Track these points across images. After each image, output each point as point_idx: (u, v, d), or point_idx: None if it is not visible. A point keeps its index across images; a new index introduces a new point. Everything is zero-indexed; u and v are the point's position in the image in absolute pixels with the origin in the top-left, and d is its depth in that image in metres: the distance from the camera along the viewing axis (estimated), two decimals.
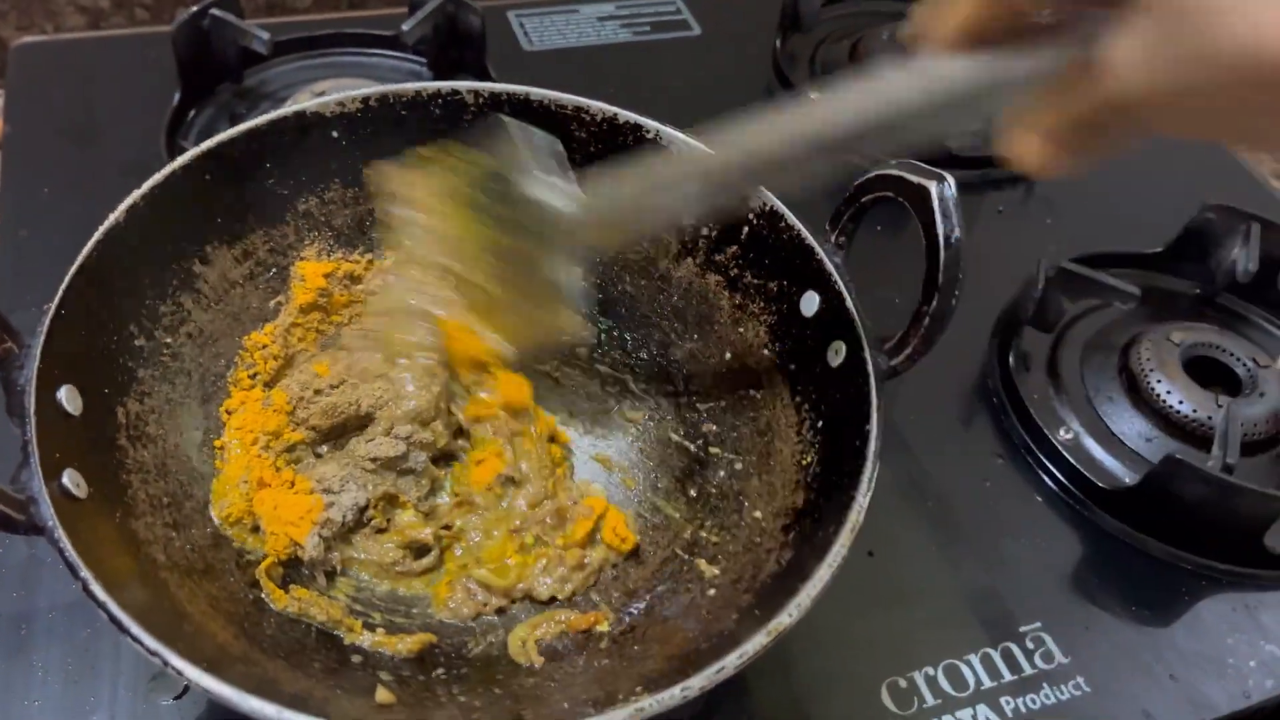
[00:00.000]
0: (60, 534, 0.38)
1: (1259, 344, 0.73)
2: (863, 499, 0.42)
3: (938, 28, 0.35)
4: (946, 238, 0.45)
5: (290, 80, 0.83)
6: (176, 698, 0.51)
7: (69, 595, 0.54)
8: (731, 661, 0.38)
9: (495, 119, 0.48)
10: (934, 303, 0.46)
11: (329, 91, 0.77)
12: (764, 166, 0.42)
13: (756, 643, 0.38)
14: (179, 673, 0.36)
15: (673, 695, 0.37)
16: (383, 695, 0.43)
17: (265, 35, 0.78)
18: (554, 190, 0.46)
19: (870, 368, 0.47)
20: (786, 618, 0.39)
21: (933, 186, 0.46)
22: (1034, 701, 0.56)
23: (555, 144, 0.47)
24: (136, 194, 0.49)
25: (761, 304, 0.54)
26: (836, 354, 0.49)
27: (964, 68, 0.35)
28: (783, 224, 0.52)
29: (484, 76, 0.83)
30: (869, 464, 0.43)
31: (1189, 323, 0.73)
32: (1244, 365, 0.69)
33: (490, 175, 0.47)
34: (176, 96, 0.77)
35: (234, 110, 0.80)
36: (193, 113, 0.79)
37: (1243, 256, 0.74)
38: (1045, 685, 0.56)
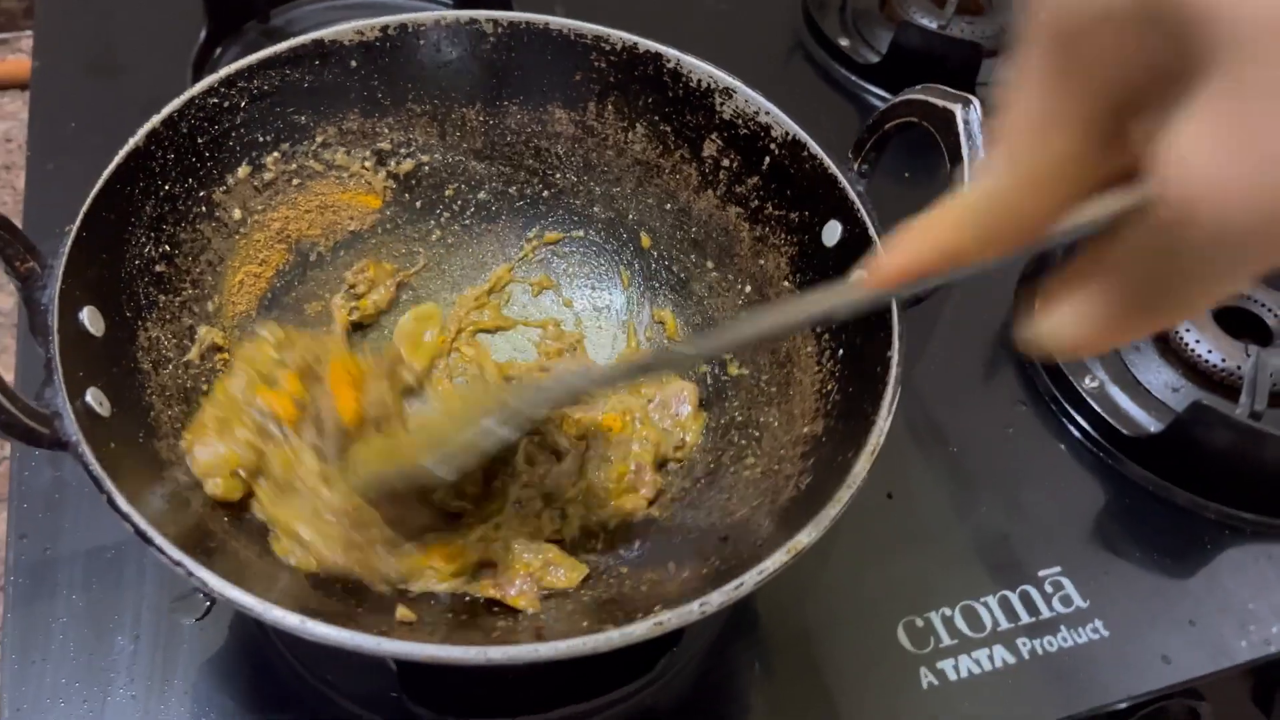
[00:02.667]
0: (85, 448, 0.38)
1: None
2: (883, 423, 0.42)
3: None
4: (972, 159, 0.44)
5: (317, 20, 0.82)
6: (199, 619, 0.51)
7: (93, 517, 0.55)
8: (750, 578, 0.37)
9: None
10: None
11: None
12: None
13: (776, 560, 0.38)
14: (203, 584, 0.36)
15: (691, 610, 0.36)
16: (403, 613, 0.43)
17: None
18: None
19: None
20: (805, 537, 0.38)
21: (958, 109, 0.45)
22: (1050, 644, 0.55)
23: None
24: (156, 118, 0.49)
25: (783, 235, 0.54)
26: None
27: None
28: (805, 153, 0.51)
29: None
30: (890, 389, 0.43)
31: None
32: (1275, 315, 0.67)
33: None
34: (203, 34, 0.77)
35: (260, 49, 0.79)
36: (219, 51, 0.79)
37: None
38: (1063, 628, 0.56)
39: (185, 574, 0.36)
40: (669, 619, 0.36)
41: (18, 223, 0.70)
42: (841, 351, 0.49)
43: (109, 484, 0.38)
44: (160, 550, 0.37)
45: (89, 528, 0.54)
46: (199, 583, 0.36)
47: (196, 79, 0.76)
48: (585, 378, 0.43)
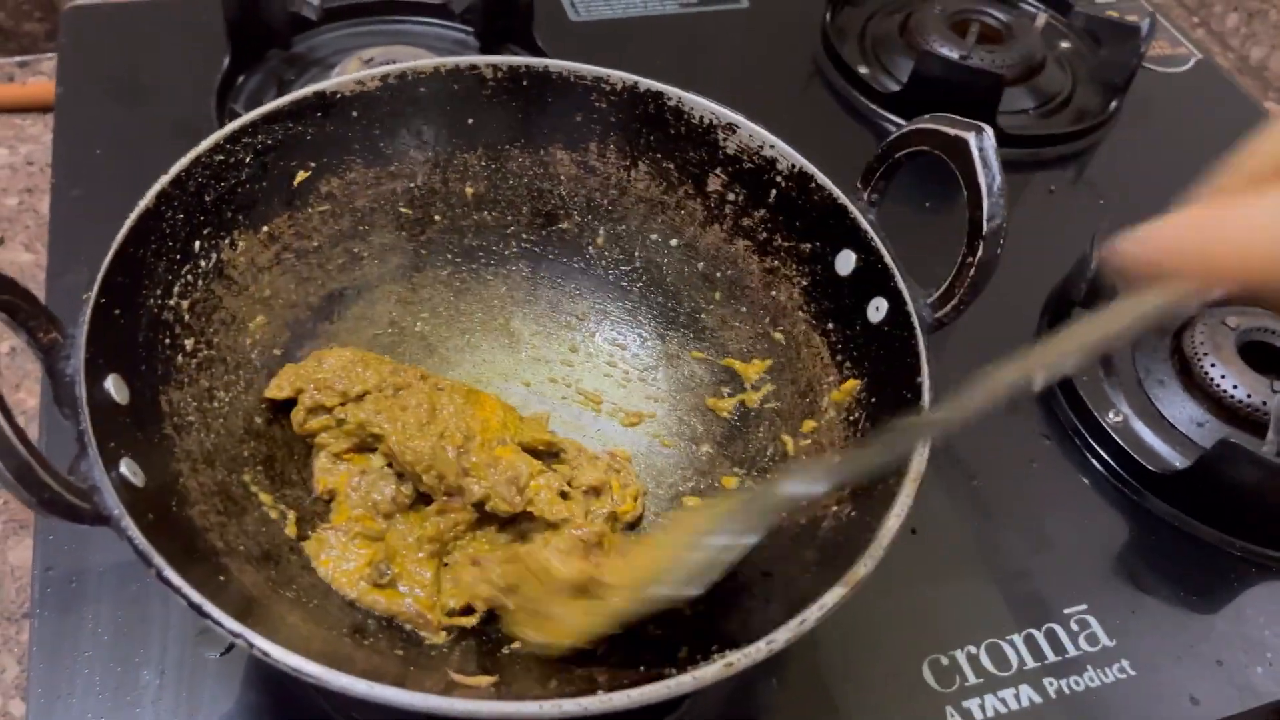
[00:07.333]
0: (128, 522, 0.37)
1: None
2: (924, 447, 0.42)
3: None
4: (989, 185, 0.44)
5: (339, 46, 0.83)
6: (223, 653, 0.51)
7: (118, 552, 0.54)
8: (812, 614, 0.37)
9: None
10: (979, 252, 0.46)
11: (376, 59, 0.78)
12: None
13: (835, 594, 0.37)
14: (265, 654, 0.35)
15: (759, 649, 0.36)
16: (456, 676, 0.43)
17: (314, 1, 0.78)
18: None
19: (915, 320, 0.46)
20: (863, 568, 0.38)
21: (971, 137, 0.45)
22: (1077, 683, 0.55)
23: None
24: (165, 178, 0.48)
25: (794, 266, 0.54)
26: (877, 310, 0.49)
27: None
28: (813, 184, 0.51)
29: (530, 46, 0.83)
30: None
31: (1245, 307, 0.71)
32: None
33: None
34: (226, 61, 0.78)
35: (283, 75, 0.80)
36: (242, 77, 0.79)
37: None
38: (1089, 667, 0.55)
39: (246, 645, 0.35)
40: (739, 659, 0.36)
41: (43, 252, 0.71)
42: (866, 380, 0.49)
43: (157, 558, 0.37)
44: (218, 623, 0.36)
45: (114, 560, 0.54)
46: (260, 653, 0.35)
47: (220, 105, 0.77)
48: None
